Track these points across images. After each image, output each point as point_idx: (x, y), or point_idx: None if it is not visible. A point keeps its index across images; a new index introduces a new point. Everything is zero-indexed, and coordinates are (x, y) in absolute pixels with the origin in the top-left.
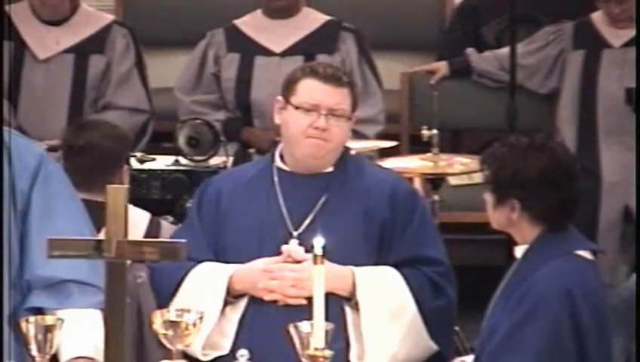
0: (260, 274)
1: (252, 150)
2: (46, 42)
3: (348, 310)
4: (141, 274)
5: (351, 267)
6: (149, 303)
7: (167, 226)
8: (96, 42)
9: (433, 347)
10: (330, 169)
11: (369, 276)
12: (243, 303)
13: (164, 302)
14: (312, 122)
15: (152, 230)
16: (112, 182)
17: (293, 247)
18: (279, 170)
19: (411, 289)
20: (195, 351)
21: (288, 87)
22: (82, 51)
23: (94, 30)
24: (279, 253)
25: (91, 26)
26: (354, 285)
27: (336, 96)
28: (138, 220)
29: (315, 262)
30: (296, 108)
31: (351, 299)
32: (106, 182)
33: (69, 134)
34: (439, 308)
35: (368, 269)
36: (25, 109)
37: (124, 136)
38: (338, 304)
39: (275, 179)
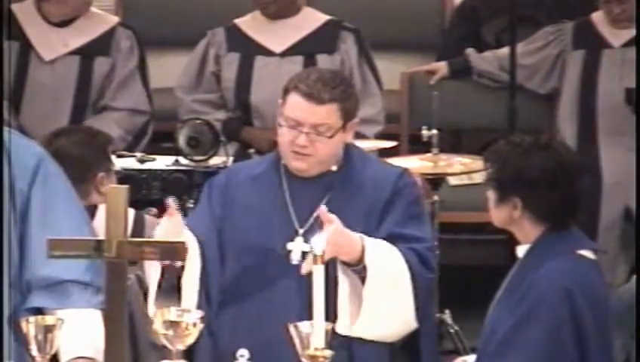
0: None
1: (252, 150)
2: (52, 43)
3: (342, 278)
4: (129, 276)
5: (359, 234)
6: (138, 305)
7: (150, 220)
8: (102, 44)
9: (414, 322)
10: (335, 167)
11: (375, 244)
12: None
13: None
14: (294, 138)
15: (138, 225)
16: (86, 190)
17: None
18: (286, 167)
19: (406, 260)
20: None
21: (283, 93)
22: (88, 53)
23: (100, 32)
24: (285, 250)
25: (97, 28)
26: (363, 251)
27: (318, 114)
28: None
29: (314, 262)
30: (283, 121)
31: (354, 266)
32: (78, 190)
33: (43, 142)
34: (428, 281)
35: (373, 239)
36: (29, 110)
37: (98, 144)
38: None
39: (283, 176)
